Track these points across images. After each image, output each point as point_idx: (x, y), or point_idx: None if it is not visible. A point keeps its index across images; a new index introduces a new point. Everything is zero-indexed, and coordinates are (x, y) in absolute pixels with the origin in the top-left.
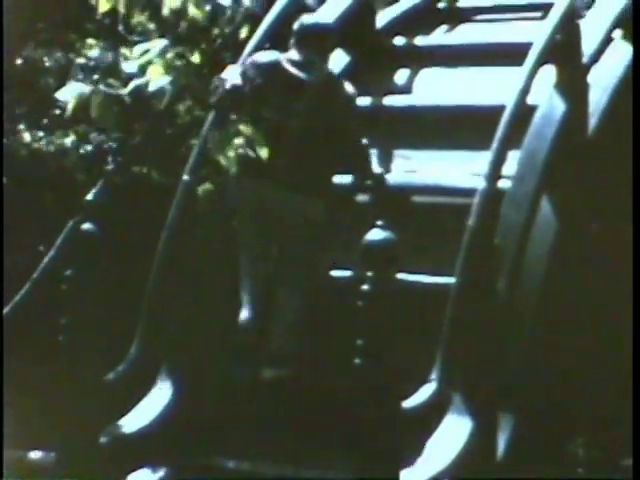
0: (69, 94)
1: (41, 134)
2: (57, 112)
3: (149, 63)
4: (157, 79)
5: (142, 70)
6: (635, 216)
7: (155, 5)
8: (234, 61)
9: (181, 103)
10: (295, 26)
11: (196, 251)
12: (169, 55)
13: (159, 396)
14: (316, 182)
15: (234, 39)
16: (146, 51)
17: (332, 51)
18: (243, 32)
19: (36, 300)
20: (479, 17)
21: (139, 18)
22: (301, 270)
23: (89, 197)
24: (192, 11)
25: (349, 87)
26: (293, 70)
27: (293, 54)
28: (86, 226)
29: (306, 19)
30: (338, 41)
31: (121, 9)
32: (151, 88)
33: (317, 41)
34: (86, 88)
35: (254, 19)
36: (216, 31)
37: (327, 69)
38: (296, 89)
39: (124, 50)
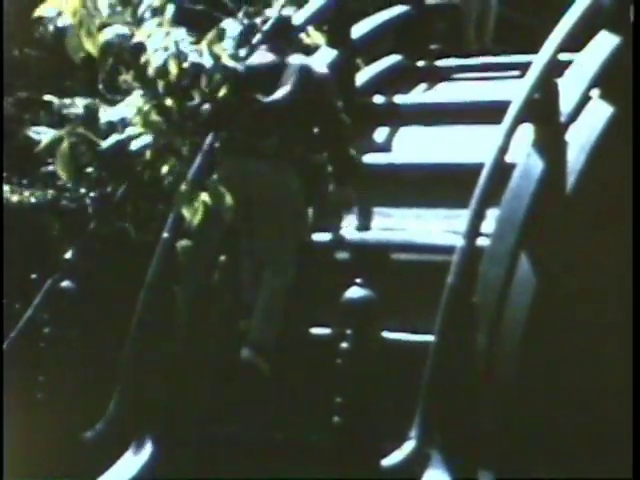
0: (43, 135)
1: (21, 187)
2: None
3: (129, 119)
4: (137, 135)
5: (122, 126)
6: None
7: (137, 63)
8: None
9: (161, 159)
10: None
11: (176, 308)
12: (148, 111)
13: (137, 455)
14: (295, 157)
15: (215, 97)
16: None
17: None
18: (223, 91)
19: (14, 357)
20: (458, 75)
21: (123, 75)
22: (284, 248)
23: (68, 254)
24: (173, 69)
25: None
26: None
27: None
28: (65, 284)
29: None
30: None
31: (94, 54)
32: (133, 145)
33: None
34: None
35: (235, 78)
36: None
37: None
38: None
39: (105, 106)
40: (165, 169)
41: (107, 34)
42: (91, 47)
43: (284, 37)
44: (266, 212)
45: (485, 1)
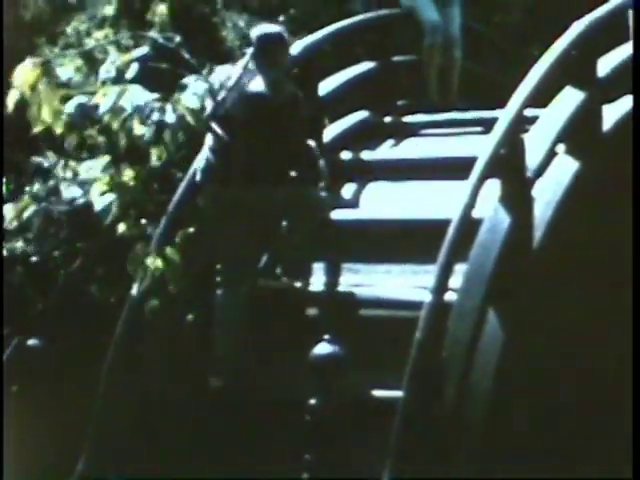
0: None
1: None
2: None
3: (93, 181)
4: (101, 196)
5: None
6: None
7: (102, 123)
8: (181, 177)
9: (127, 219)
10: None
11: (143, 367)
12: (112, 172)
13: None
14: (278, 177)
15: (180, 155)
16: (91, 168)
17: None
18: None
19: None
20: (425, 131)
21: (91, 134)
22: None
23: (36, 312)
24: (137, 129)
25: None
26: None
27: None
28: (32, 342)
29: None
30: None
31: (57, 130)
32: (96, 206)
33: (273, 51)
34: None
35: (199, 136)
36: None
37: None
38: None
39: (70, 165)
40: (127, 228)
41: (70, 107)
42: (53, 124)
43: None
44: (297, 222)
45: (448, 56)
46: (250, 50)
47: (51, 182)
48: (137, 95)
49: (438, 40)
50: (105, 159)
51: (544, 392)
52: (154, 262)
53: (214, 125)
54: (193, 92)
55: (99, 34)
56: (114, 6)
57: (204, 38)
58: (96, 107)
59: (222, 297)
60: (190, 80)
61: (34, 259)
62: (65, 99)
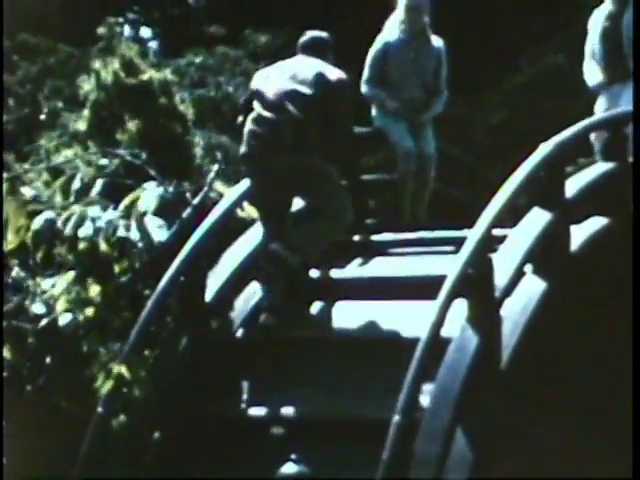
0: None
1: None
2: None
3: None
4: (64, 313)
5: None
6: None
7: (68, 239)
8: (150, 293)
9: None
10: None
11: None
12: (76, 289)
13: None
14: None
15: (146, 271)
16: (53, 285)
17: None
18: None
19: None
20: (393, 250)
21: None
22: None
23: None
24: (103, 246)
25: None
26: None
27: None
28: None
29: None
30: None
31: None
32: (60, 322)
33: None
34: None
35: (166, 250)
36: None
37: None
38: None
39: (36, 281)
40: (91, 344)
41: (37, 223)
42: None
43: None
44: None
45: (422, 177)
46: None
47: (18, 298)
48: (103, 212)
49: (412, 167)
50: (70, 275)
51: None
52: (119, 368)
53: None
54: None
55: (69, 152)
56: (86, 123)
57: (173, 156)
58: (64, 223)
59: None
60: (150, 186)
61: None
62: (33, 214)
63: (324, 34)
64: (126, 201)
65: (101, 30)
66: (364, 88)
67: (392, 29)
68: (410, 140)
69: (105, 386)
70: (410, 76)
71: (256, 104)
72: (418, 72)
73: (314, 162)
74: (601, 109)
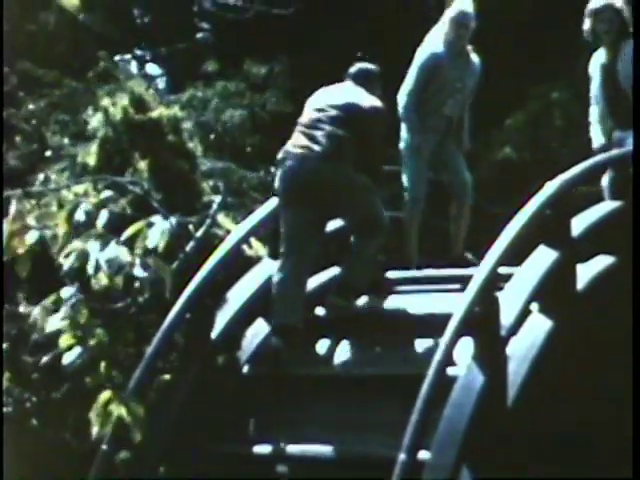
0: None
1: None
2: None
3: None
4: (68, 347)
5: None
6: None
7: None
8: (155, 328)
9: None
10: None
11: None
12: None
13: None
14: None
15: (149, 306)
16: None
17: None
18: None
19: None
20: (401, 288)
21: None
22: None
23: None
24: (103, 279)
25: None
26: None
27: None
28: None
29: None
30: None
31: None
32: (64, 360)
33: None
34: None
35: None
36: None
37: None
38: None
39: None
40: (94, 379)
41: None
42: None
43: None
44: (351, 197)
45: (459, 206)
46: None
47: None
48: (106, 246)
49: (418, 209)
50: (74, 309)
51: None
52: (118, 409)
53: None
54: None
55: (79, 188)
56: (95, 158)
57: (182, 193)
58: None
59: (285, 269)
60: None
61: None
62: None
63: (371, 66)
64: (129, 232)
65: (108, 65)
66: (403, 101)
67: (436, 44)
68: (423, 184)
69: (104, 428)
70: (453, 94)
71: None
72: (461, 91)
73: (348, 170)
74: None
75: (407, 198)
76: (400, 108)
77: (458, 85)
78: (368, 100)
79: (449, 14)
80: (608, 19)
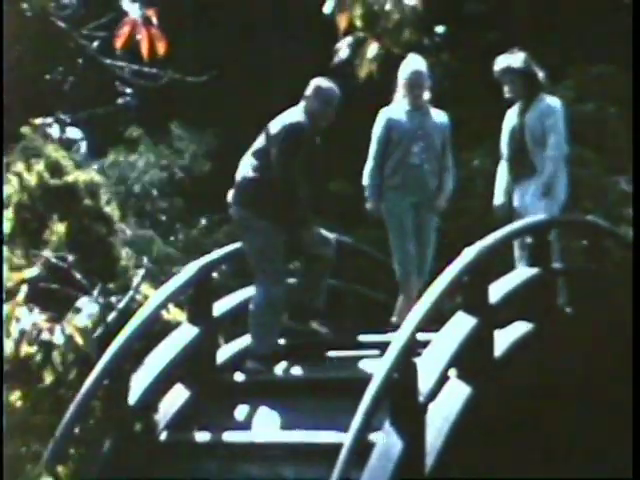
0: None
1: None
2: None
3: None
4: None
5: None
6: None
7: None
8: (74, 395)
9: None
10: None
11: None
12: None
13: None
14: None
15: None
16: None
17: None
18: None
19: None
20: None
21: None
22: None
23: None
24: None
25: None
26: None
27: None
28: None
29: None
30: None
31: None
32: None
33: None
34: None
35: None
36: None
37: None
38: None
39: None
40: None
41: None
42: None
43: None
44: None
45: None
46: None
47: None
48: (26, 316)
49: (413, 279)
50: None
51: None
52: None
53: None
54: (87, 314)
55: None
56: (9, 224)
57: (99, 258)
58: None
59: (261, 296)
60: (83, 302)
61: None
62: None
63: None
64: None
65: (25, 130)
66: (366, 179)
67: (392, 107)
68: (413, 258)
69: None
70: (416, 141)
71: None
72: (424, 139)
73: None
74: (515, 204)
75: (399, 273)
76: (366, 185)
77: (419, 132)
78: (287, 119)
79: (402, 75)
80: (509, 81)
